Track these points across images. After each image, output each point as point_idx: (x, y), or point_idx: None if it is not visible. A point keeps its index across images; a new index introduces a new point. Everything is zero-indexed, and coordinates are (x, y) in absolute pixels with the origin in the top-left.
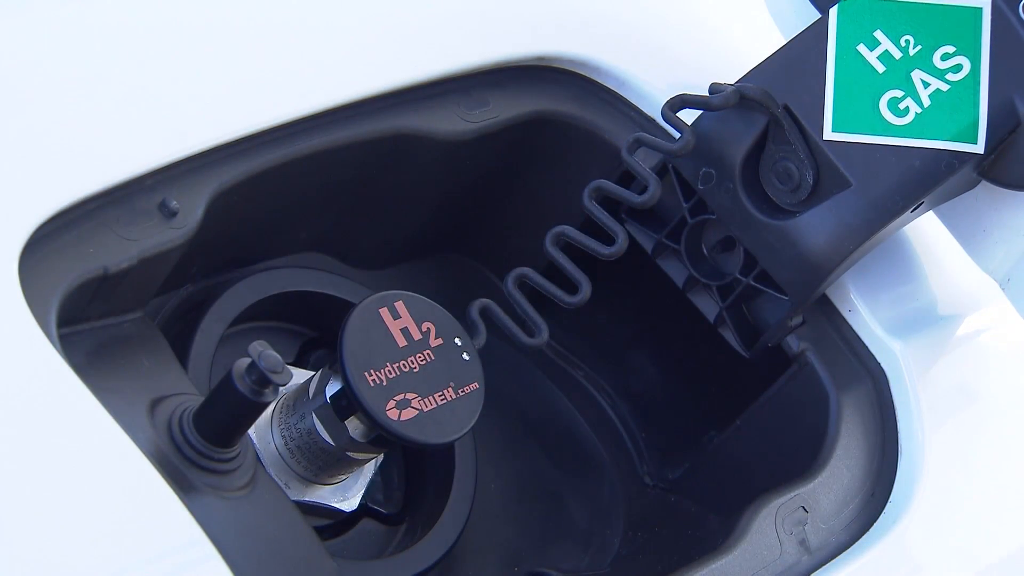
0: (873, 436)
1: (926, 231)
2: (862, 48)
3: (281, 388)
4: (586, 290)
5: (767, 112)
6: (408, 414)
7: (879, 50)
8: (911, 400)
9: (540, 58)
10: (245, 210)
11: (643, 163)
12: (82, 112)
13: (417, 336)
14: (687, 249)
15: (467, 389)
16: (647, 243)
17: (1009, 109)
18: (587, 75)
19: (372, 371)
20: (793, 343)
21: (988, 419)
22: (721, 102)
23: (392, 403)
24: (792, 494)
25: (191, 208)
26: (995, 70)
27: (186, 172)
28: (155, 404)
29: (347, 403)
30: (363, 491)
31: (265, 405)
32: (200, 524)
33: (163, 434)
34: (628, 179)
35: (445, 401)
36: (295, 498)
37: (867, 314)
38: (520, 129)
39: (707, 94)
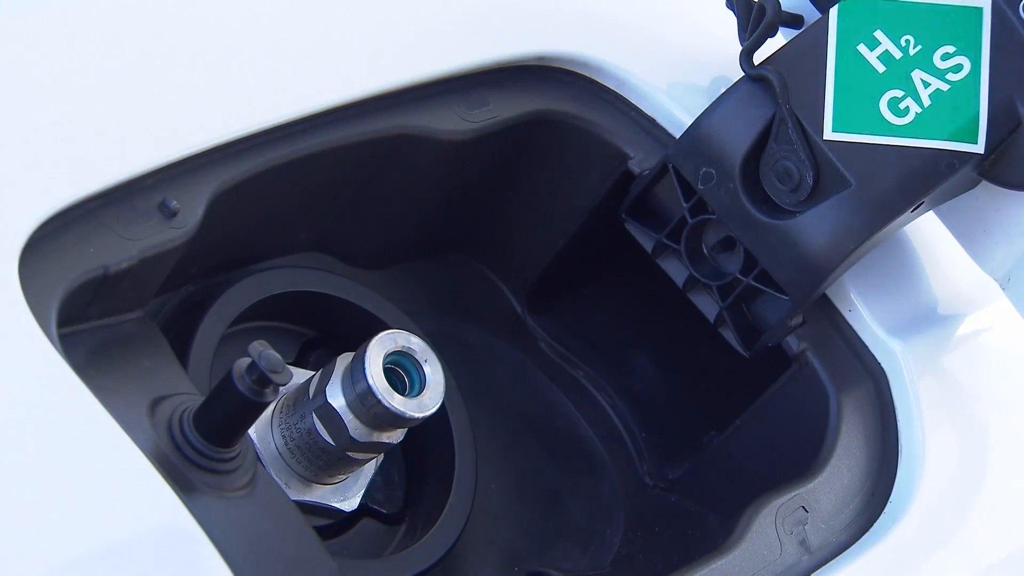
0: (873, 436)
1: (926, 231)
2: (862, 48)
3: (281, 388)
4: None
5: (775, 102)
6: None
7: (879, 50)
8: (911, 400)
9: (540, 58)
10: (245, 210)
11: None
12: (82, 112)
13: None
14: (687, 249)
15: None
16: (647, 243)
17: (1009, 109)
18: (587, 75)
19: None
20: (793, 343)
21: (988, 419)
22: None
23: None
24: (792, 494)
25: (191, 208)
26: (995, 70)
27: (186, 172)
28: (155, 404)
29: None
30: (363, 491)
31: (265, 405)
32: (200, 524)
33: (163, 434)
34: (628, 179)
35: None
36: (295, 498)
37: (867, 314)
38: (520, 129)
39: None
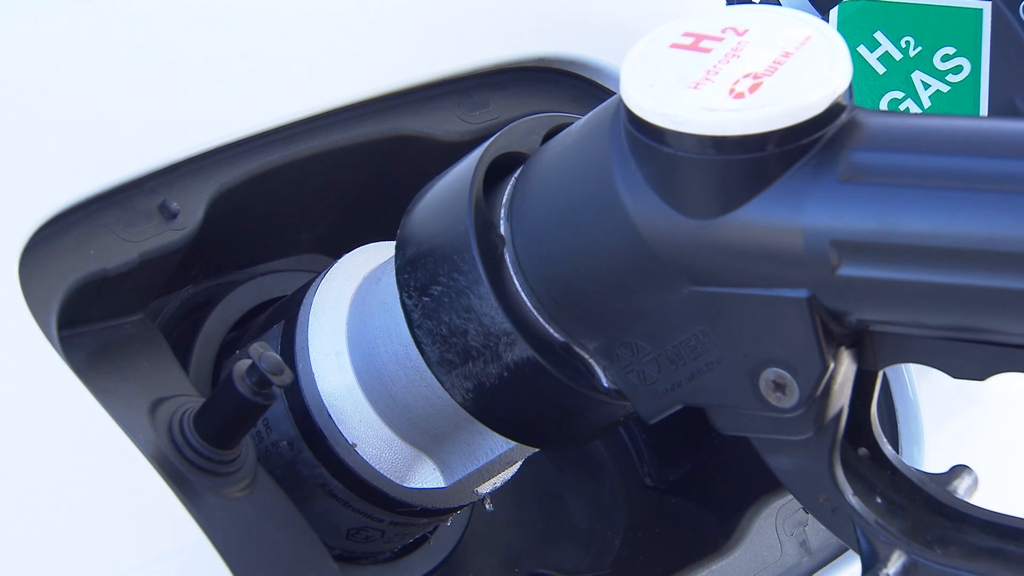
0: None
1: None
2: (862, 50)
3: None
4: None
5: None
6: None
7: (879, 51)
8: (911, 400)
9: (540, 59)
10: (246, 211)
11: None
12: (82, 113)
13: None
14: None
15: None
16: None
17: (1009, 109)
18: (587, 76)
19: None
20: None
21: (988, 419)
22: None
23: None
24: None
25: (192, 209)
26: (995, 71)
27: (187, 173)
28: (155, 405)
29: None
30: None
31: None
32: (201, 525)
33: (163, 435)
34: None
35: None
36: None
37: None
38: None
39: None
